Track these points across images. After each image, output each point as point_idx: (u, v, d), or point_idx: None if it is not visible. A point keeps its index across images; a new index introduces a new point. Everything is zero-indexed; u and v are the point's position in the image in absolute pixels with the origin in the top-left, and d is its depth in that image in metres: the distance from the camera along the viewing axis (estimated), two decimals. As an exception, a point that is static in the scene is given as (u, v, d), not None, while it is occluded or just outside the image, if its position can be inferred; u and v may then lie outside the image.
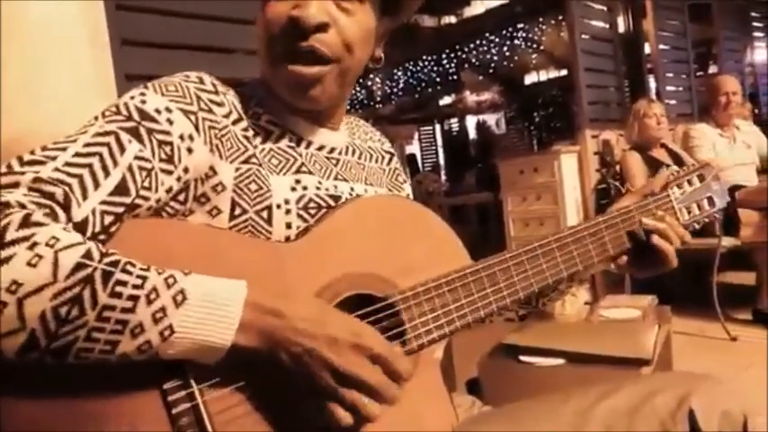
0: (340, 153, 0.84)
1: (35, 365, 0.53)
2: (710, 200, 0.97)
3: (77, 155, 0.60)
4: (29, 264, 0.51)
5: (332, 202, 0.76)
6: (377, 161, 0.93)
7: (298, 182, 0.75)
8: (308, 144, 0.80)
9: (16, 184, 0.56)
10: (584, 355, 1.53)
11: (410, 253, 0.77)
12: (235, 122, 0.72)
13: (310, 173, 0.77)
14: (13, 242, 0.51)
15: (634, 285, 3.20)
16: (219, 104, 0.71)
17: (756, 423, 0.67)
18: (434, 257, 0.78)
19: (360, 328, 0.62)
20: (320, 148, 0.81)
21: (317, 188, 0.76)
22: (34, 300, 0.50)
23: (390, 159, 0.96)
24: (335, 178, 0.80)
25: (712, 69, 6.44)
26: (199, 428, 0.58)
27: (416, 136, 11.40)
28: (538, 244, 0.82)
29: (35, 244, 0.52)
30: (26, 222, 0.53)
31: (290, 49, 0.71)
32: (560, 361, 1.57)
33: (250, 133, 0.74)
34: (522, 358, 1.62)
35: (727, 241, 2.82)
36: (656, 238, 0.86)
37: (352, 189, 0.81)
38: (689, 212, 0.95)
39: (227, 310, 0.57)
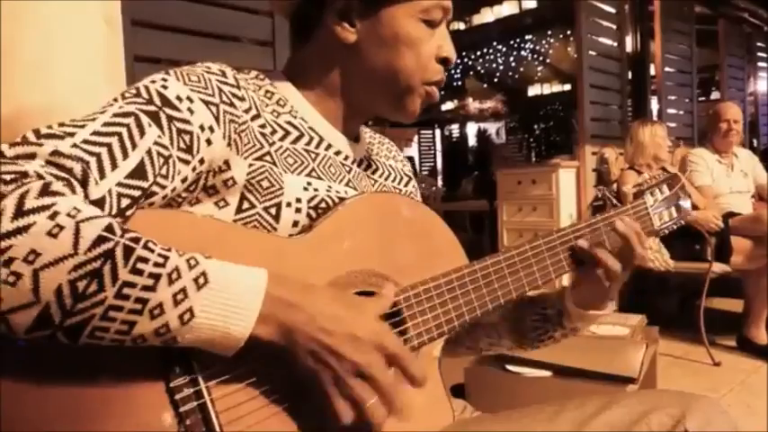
0: (353, 163, 0.83)
1: (40, 352, 0.51)
2: (678, 207, 1.02)
3: (96, 133, 0.58)
4: (49, 233, 0.48)
5: None
6: (393, 180, 0.92)
7: (309, 184, 0.74)
8: (328, 146, 0.79)
9: (33, 155, 0.53)
10: (571, 369, 1.54)
11: (412, 252, 0.78)
12: (254, 118, 0.71)
13: (320, 178, 0.76)
14: (33, 210, 0.48)
15: (623, 305, 3.22)
16: (241, 99, 0.70)
17: None
18: (435, 257, 0.79)
19: (380, 327, 0.61)
20: (337, 153, 0.81)
21: (328, 191, 0.75)
22: (52, 272, 0.47)
23: (408, 182, 0.95)
24: (347, 184, 0.80)
25: (714, 95, 6.49)
26: (206, 427, 0.57)
27: (416, 139, 11.41)
28: (529, 246, 0.83)
29: (56, 213, 0.49)
30: (46, 191, 0.50)
31: (433, 77, 0.79)
32: (547, 373, 1.57)
33: (267, 130, 0.73)
34: (509, 368, 1.62)
35: (718, 267, 2.84)
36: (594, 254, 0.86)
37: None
38: (660, 219, 0.99)
39: (248, 299, 0.55)
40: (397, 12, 0.75)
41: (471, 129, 11.11)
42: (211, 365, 0.58)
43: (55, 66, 1.33)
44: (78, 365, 0.53)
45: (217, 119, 0.66)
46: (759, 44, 6.29)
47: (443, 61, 0.79)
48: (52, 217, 0.49)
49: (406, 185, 0.94)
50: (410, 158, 10.59)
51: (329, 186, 0.75)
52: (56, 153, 0.54)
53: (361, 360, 0.58)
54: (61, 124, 0.58)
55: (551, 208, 3.63)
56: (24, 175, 0.51)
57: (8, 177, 0.50)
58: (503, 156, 9.26)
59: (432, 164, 11.74)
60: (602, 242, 0.87)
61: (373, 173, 0.88)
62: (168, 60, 1.86)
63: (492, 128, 10.61)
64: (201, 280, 0.54)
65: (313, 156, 0.77)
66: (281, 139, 0.74)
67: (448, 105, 10.64)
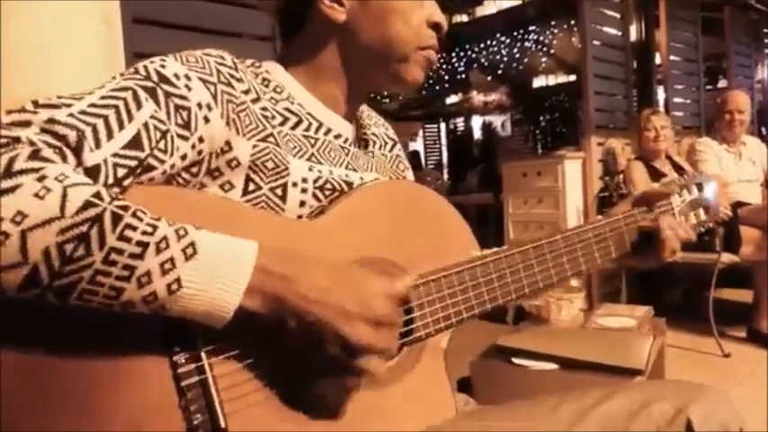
0: (350, 144, 0.84)
1: (45, 321, 0.52)
2: (707, 208, 1.02)
3: (93, 105, 0.58)
4: (36, 195, 0.48)
5: (345, 187, 0.76)
6: (380, 148, 0.93)
7: (311, 168, 0.75)
8: (327, 131, 0.80)
9: (28, 123, 0.54)
10: (578, 361, 1.53)
11: (421, 239, 0.78)
12: (254, 101, 0.72)
13: (321, 162, 0.77)
14: (21, 172, 0.49)
15: (630, 296, 3.20)
16: (239, 80, 0.71)
17: None
18: (446, 246, 0.80)
19: (368, 294, 0.61)
20: (337, 137, 0.81)
21: (330, 173, 0.76)
22: (39, 233, 0.48)
23: (393, 146, 0.97)
24: (347, 167, 0.80)
25: (722, 84, 6.43)
26: (206, 401, 0.58)
27: (421, 133, 11.38)
28: (546, 241, 0.83)
29: (44, 177, 0.49)
30: (36, 155, 0.51)
31: (425, 42, 0.80)
32: (553, 366, 1.56)
33: (268, 114, 0.73)
34: (515, 361, 1.61)
35: (727, 257, 2.81)
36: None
37: (362, 179, 0.81)
38: (687, 219, 0.99)
39: (236, 270, 0.55)
40: None
41: (476, 122, 11.06)
42: (215, 340, 0.59)
43: (54, 66, 1.33)
44: (86, 336, 0.54)
45: (214, 97, 0.67)
46: (766, 31, 6.22)
47: (435, 27, 0.82)
48: (40, 180, 0.49)
49: (391, 150, 0.96)
50: (415, 153, 10.56)
51: (330, 171, 0.76)
52: (51, 121, 0.54)
53: (353, 333, 0.58)
54: (59, 97, 0.58)
55: (557, 200, 3.61)
56: (17, 140, 0.51)
57: (1, 142, 0.50)
58: (509, 148, 9.22)
59: (437, 158, 11.71)
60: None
61: (367, 147, 0.90)
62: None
63: (497, 120, 10.56)
64: (190, 250, 0.54)
65: (312, 141, 0.78)
66: (281, 124, 0.75)
67: (452, 99, 10.59)
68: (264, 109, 0.73)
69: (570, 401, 0.75)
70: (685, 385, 0.75)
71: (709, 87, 6.43)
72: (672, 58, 4.57)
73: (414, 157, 10.16)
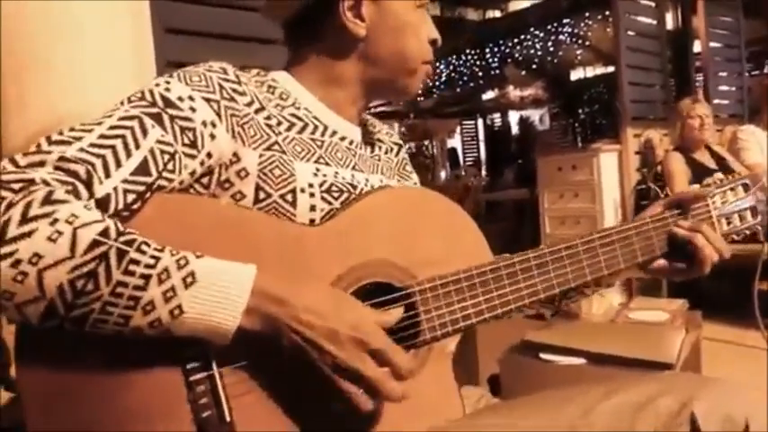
0: (357, 146, 0.87)
1: (60, 340, 0.57)
2: (754, 210, 0.94)
3: (102, 136, 0.64)
4: (49, 239, 0.54)
5: (351, 189, 0.78)
6: (386, 152, 0.96)
7: (318, 170, 0.78)
8: (333, 133, 0.83)
9: (42, 163, 0.60)
10: (606, 356, 1.51)
11: (432, 245, 0.78)
12: (257, 111, 0.75)
13: (327, 164, 0.79)
14: (36, 218, 0.55)
15: (671, 288, 3.12)
16: (242, 94, 0.74)
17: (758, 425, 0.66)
18: (457, 252, 0.79)
19: (361, 322, 0.64)
20: (342, 139, 0.84)
21: (335, 176, 0.78)
22: (53, 272, 0.54)
23: (398, 151, 1.00)
24: (353, 168, 0.83)
25: (768, 69, 6.19)
26: (213, 398, 0.62)
27: (458, 130, 11.32)
28: (564, 245, 0.81)
29: (56, 220, 0.55)
30: (48, 199, 0.56)
31: (428, 56, 0.86)
32: (581, 361, 1.55)
33: (273, 122, 0.77)
34: (543, 356, 1.61)
35: (772, 248, 2.72)
36: (693, 247, 0.86)
37: (367, 180, 0.83)
38: (729, 223, 0.93)
39: (234, 295, 0.60)
40: (399, 2, 0.82)
41: (513, 117, 10.95)
42: (224, 351, 0.63)
43: (88, 75, 1.39)
44: (98, 344, 0.59)
45: (218, 114, 0.71)
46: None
47: (433, 43, 0.87)
48: (52, 224, 0.55)
49: (397, 155, 0.99)
50: (453, 150, 10.51)
51: (336, 172, 0.79)
52: (62, 159, 0.60)
53: (340, 353, 0.61)
54: (72, 129, 0.64)
55: (593, 193, 3.56)
56: (32, 182, 0.58)
57: (17, 186, 0.57)
58: (547, 142, 9.08)
59: (475, 154, 11.63)
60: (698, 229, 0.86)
61: (373, 150, 0.93)
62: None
63: (535, 115, 10.42)
64: (189, 279, 0.59)
65: (319, 143, 0.81)
66: (287, 129, 0.78)
67: (489, 95, 10.50)
68: (269, 117, 0.77)
69: (578, 397, 0.75)
70: (694, 378, 0.74)
71: (755, 72, 6.19)
72: (712, 44, 4.42)
73: (451, 154, 10.12)
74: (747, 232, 0.95)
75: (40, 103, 1.32)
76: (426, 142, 8.76)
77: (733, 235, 0.93)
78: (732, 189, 0.94)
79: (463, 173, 7.38)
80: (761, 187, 0.95)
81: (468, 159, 11.32)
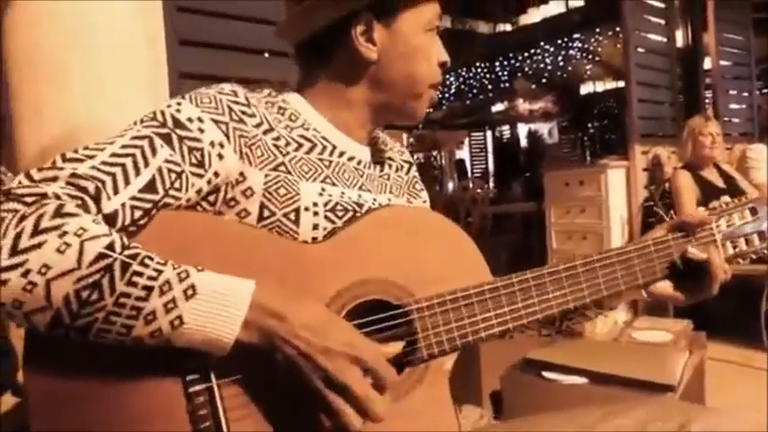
0: (365, 166, 0.88)
1: (66, 347, 0.60)
2: (761, 234, 0.93)
3: (114, 155, 0.66)
4: (57, 250, 0.57)
5: (357, 208, 0.79)
6: (396, 171, 0.97)
7: (323, 190, 0.79)
8: (341, 153, 0.85)
9: (55, 178, 0.63)
10: (608, 376, 1.51)
11: (431, 264, 0.79)
12: (266, 132, 0.77)
13: (334, 184, 0.81)
14: (46, 230, 0.58)
15: (677, 308, 3.11)
16: (251, 116, 0.76)
17: None
18: (454, 271, 0.80)
19: (355, 340, 0.65)
20: (351, 159, 0.86)
21: (341, 196, 0.80)
22: (60, 282, 0.57)
23: (409, 169, 1.00)
24: (360, 188, 0.84)
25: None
26: (211, 410, 0.64)
27: (467, 141, 11.33)
28: (563, 267, 0.81)
29: (65, 233, 0.58)
30: (59, 212, 0.59)
31: (436, 79, 0.87)
32: (583, 380, 1.55)
33: (281, 143, 0.79)
34: (545, 374, 1.61)
35: (779, 269, 2.71)
36: (704, 267, 0.86)
37: (375, 199, 0.85)
38: (735, 246, 0.91)
39: (233, 308, 0.62)
40: (409, 26, 0.83)
41: (522, 130, 10.96)
42: (223, 364, 0.64)
43: (102, 86, 1.41)
44: (102, 352, 0.61)
45: (227, 135, 0.73)
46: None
47: (442, 65, 0.88)
48: (61, 236, 0.58)
49: (407, 173, 1.00)
50: (461, 161, 10.51)
51: (342, 192, 0.80)
52: (74, 175, 0.63)
53: (333, 369, 0.63)
54: (86, 148, 0.67)
55: (600, 210, 3.55)
56: (44, 196, 0.61)
57: (30, 200, 0.60)
58: (555, 156, 9.07)
59: (483, 166, 11.65)
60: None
61: (382, 170, 0.93)
62: (215, 77, 1.93)
63: (544, 128, 10.43)
64: (190, 291, 0.61)
65: (327, 163, 0.82)
66: (295, 150, 0.80)
67: (498, 107, 10.52)
68: (277, 138, 0.79)
69: (577, 418, 0.76)
70: (689, 406, 0.75)
71: (765, 90, 6.18)
72: (722, 62, 4.42)
73: (459, 165, 10.13)
74: (754, 256, 0.93)
75: (56, 114, 1.35)
76: (435, 153, 8.77)
77: (738, 259, 0.92)
78: (739, 212, 0.93)
79: (471, 184, 7.37)
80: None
81: (476, 171, 11.33)
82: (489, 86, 9.54)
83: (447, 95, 10.19)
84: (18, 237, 0.57)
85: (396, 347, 0.70)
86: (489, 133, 11.69)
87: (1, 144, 1.42)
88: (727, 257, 0.90)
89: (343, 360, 0.63)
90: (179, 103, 0.73)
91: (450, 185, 8.38)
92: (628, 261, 0.85)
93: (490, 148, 11.77)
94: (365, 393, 0.63)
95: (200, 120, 0.72)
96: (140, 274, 0.59)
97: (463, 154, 11.14)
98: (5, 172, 1.33)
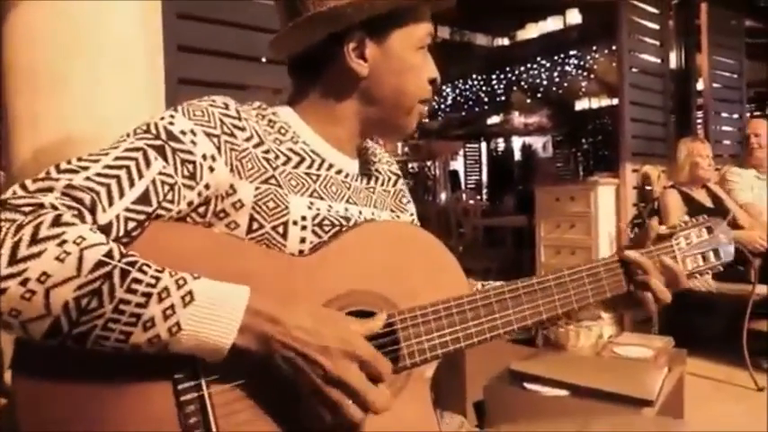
0: (352, 179, 0.90)
1: (56, 351, 0.60)
2: (716, 252, 0.99)
3: (108, 167, 0.67)
4: (57, 258, 0.58)
5: (344, 222, 0.82)
6: (383, 184, 0.99)
7: (312, 203, 0.81)
8: (330, 167, 0.87)
9: (51, 189, 0.63)
10: (588, 389, 1.55)
11: (414, 277, 0.82)
12: (256, 146, 0.79)
13: (322, 198, 0.83)
14: (45, 239, 0.58)
15: (663, 325, 3.15)
16: (242, 129, 0.78)
17: None
18: (436, 284, 0.83)
19: (350, 336, 0.68)
20: (338, 172, 0.88)
21: (329, 210, 0.82)
22: (59, 290, 0.57)
23: (396, 181, 1.03)
24: (347, 201, 0.87)
25: (770, 111, 6.25)
26: (202, 417, 0.65)
27: (461, 152, 11.37)
28: (537, 281, 0.86)
29: (64, 242, 0.58)
30: (57, 222, 0.60)
31: (426, 95, 0.89)
32: (564, 392, 1.58)
33: (271, 156, 0.80)
34: (528, 386, 1.64)
35: (762, 289, 2.76)
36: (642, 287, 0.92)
37: (360, 212, 0.87)
38: (693, 263, 0.97)
39: (229, 314, 0.63)
40: (401, 43, 0.85)
41: (517, 143, 11.01)
42: (214, 370, 0.66)
43: (101, 92, 1.42)
44: (94, 358, 0.62)
45: (218, 148, 0.75)
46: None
47: (432, 81, 0.90)
48: (60, 245, 0.59)
49: (394, 185, 1.02)
50: (455, 172, 10.54)
51: (330, 206, 0.83)
52: (69, 186, 0.64)
53: (331, 366, 0.65)
54: (80, 159, 0.67)
55: (589, 225, 3.60)
56: (41, 206, 0.61)
57: (27, 209, 0.61)
58: (548, 171, 9.13)
59: (477, 178, 11.68)
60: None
61: (368, 182, 0.95)
62: (213, 83, 1.96)
63: (538, 142, 10.49)
64: (188, 298, 0.62)
65: (314, 177, 0.84)
66: (284, 164, 0.82)
67: (493, 119, 10.58)
68: (267, 151, 0.80)
69: (551, 429, 0.78)
70: (659, 421, 0.77)
71: (756, 114, 6.26)
72: (714, 85, 4.50)
73: (453, 176, 10.16)
74: (709, 273, 1.00)
75: (53, 120, 1.35)
76: (429, 163, 8.80)
77: (696, 274, 0.98)
78: (696, 231, 0.99)
79: (464, 196, 7.41)
80: (723, 230, 1.00)
81: (469, 183, 11.36)
82: (485, 99, 9.60)
83: (443, 106, 10.25)
84: (16, 246, 0.57)
85: (379, 319, 0.73)
86: (484, 145, 11.75)
87: (0, 148, 1.43)
88: (687, 273, 0.96)
89: (341, 356, 0.65)
90: (172, 116, 0.74)
91: (444, 196, 8.41)
92: (596, 275, 0.91)
93: (484, 160, 11.82)
94: (364, 387, 0.66)
95: (192, 132, 0.73)
96: (139, 282, 0.60)
97: (457, 165, 11.17)
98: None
